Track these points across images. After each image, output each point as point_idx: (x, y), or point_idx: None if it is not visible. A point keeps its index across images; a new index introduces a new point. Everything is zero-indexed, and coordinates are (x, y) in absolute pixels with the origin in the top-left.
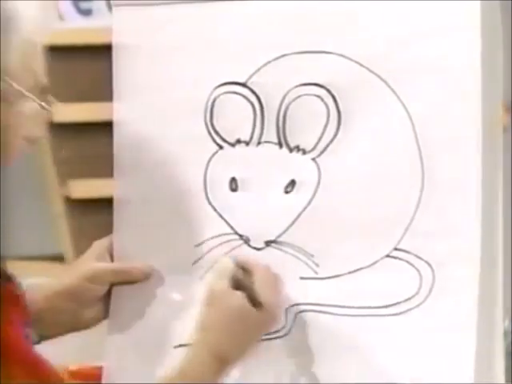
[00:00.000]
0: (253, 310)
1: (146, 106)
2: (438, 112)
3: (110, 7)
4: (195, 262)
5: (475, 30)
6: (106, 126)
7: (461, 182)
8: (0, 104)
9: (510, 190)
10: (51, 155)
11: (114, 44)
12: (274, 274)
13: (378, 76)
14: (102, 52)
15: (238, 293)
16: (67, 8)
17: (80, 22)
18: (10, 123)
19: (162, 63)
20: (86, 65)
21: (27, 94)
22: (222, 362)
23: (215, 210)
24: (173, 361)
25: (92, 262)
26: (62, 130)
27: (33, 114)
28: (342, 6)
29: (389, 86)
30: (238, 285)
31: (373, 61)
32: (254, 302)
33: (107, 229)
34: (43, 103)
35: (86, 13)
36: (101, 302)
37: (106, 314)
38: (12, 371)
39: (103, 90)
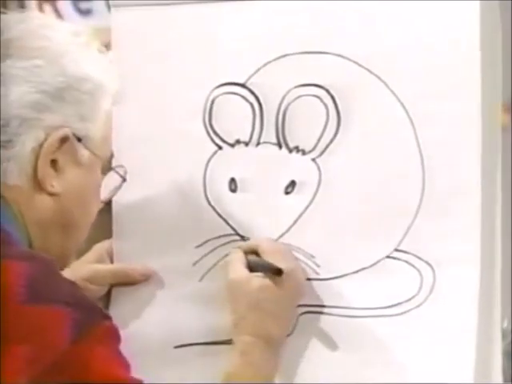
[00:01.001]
0: (276, 283)
1: (145, 107)
2: (437, 112)
3: (109, 7)
4: (195, 263)
5: (475, 30)
6: None
7: (461, 183)
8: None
9: (509, 190)
10: None
11: (112, 44)
12: (279, 243)
13: (378, 77)
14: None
15: (257, 273)
16: (67, 8)
17: (80, 22)
18: (92, 189)
19: (161, 64)
20: None
21: (107, 164)
22: (268, 341)
23: (215, 210)
24: (174, 362)
25: (92, 263)
26: None
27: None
28: (342, 7)
29: (388, 87)
30: (253, 266)
31: (372, 61)
32: (274, 272)
33: (107, 230)
34: (120, 172)
35: (86, 13)
36: (100, 303)
37: None
38: None
39: None
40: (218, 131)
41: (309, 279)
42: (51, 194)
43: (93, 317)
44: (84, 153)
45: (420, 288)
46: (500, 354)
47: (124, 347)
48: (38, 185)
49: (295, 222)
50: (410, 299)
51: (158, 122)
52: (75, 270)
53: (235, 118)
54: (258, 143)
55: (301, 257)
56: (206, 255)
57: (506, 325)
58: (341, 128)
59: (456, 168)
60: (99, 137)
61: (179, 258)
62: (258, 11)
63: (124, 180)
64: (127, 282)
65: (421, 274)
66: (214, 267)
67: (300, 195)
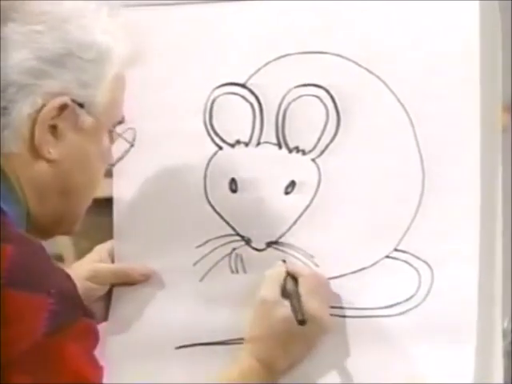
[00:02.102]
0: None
1: (145, 107)
2: (437, 112)
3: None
4: (196, 263)
5: (474, 30)
6: None
7: (460, 183)
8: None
9: (509, 190)
10: None
11: None
12: (321, 281)
13: (378, 77)
14: None
15: (286, 303)
16: None
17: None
18: (95, 155)
19: (162, 64)
20: None
21: (113, 129)
22: (271, 370)
23: (215, 210)
24: (175, 362)
25: (93, 263)
26: None
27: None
28: (342, 7)
29: (388, 87)
30: (286, 293)
31: (372, 61)
32: (299, 313)
33: (107, 229)
34: (126, 136)
35: None
36: (101, 302)
37: (105, 316)
38: None
39: None
40: (219, 131)
41: None
42: (49, 161)
43: (73, 312)
44: (86, 119)
45: (418, 288)
46: (501, 354)
47: (116, 347)
48: (35, 151)
49: (295, 222)
50: (408, 299)
51: (159, 122)
52: (77, 270)
53: (235, 118)
54: (258, 143)
55: (301, 257)
56: (206, 255)
57: (506, 325)
58: (340, 128)
59: (455, 168)
60: (105, 102)
61: (179, 258)
62: (258, 11)
63: (132, 145)
64: (128, 281)
65: (419, 274)
66: (215, 267)
67: (300, 195)
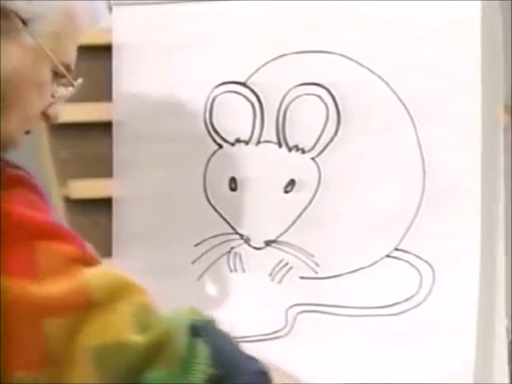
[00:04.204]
0: None
1: (145, 106)
2: (438, 112)
3: (109, 8)
4: (194, 262)
5: (475, 31)
6: (106, 126)
7: (461, 182)
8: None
9: (510, 190)
10: (51, 155)
11: (113, 43)
12: None
13: (379, 76)
14: (102, 52)
15: None
16: None
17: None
18: (31, 79)
19: (162, 63)
20: (85, 65)
21: (61, 69)
22: None
23: (215, 209)
24: None
25: None
26: (61, 130)
27: (61, 92)
28: (342, 6)
29: (389, 87)
30: None
31: (373, 61)
32: None
33: (107, 229)
34: (74, 82)
35: None
36: None
37: None
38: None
39: (103, 90)
40: (219, 130)
41: (308, 278)
42: None
43: None
44: (26, 38)
45: (419, 287)
46: (505, 354)
47: None
48: None
49: (294, 220)
50: (409, 298)
51: (158, 121)
52: None
53: (236, 116)
54: (259, 142)
55: (300, 256)
56: (204, 254)
57: (506, 324)
58: (341, 127)
59: (456, 167)
60: (50, 31)
61: (178, 256)
62: (258, 10)
63: (73, 86)
64: None
65: (420, 274)
66: (213, 266)
67: (299, 194)
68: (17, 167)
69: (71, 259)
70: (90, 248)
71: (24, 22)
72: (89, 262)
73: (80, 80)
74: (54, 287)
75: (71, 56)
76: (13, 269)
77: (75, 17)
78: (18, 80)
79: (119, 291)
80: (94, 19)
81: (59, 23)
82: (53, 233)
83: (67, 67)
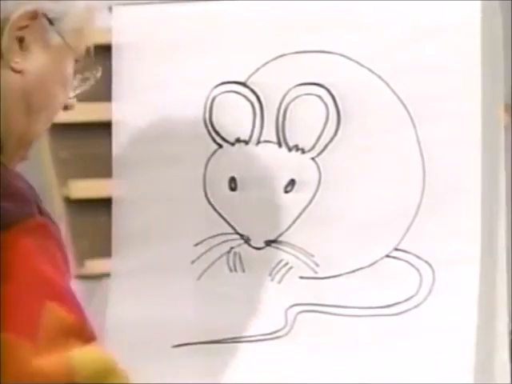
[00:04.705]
0: None
1: (144, 106)
2: (438, 112)
3: (109, 7)
4: (194, 262)
5: (475, 30)
6: (106, 126)
7: (461, 182)
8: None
9: (510, 190)
10: (51, 155)
11: (113, 43)
12: None
13: (379, 76)
14: (102, 52)
15: None
16: None
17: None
18: (56, 78)
19: (161, 62)
20: (85, 65)
21: (78, 59)
22: None
23: (215, 209)
24: (172, 361)
25: None
26: (61, 130)
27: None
28: (343, 6)
29: (389, 86)
30: None
31: (373, 61)
32: None
33: (107, 229)
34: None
35: None
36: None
37: None
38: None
39: (103, 90)
40: (219, 130)
41: (308, 278)
42: (15, 71)
43: (25, 209)
44: (54, 37)
45: (419, 288)
46: (507, 354)
47: (114, 346)
48: (1, 58)
49: (294, 220)
50: (408, 299)
51: (158, 121)
52: None
53: (235, 116)
54: (258, 142)
55: (300, 256)
56: (204, 253)
57: (506, 324)
58: (341, 127)
59: (456, 168)
60: (73, 27)
61: (177, 255)
62: (258, 10)
63: (96, 78)
64: None
65: (420, 274)
66: (213, 266)
67: (299, 194)
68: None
69: (71, 331)
70: (87, 318)
71: (51, 22)
72: (86, 336)
73: (99, 72)
74: (46, 362)
75: (87, 42)
76: (17, 324)
77: (94, 12)
78: (47, 80)
79: (103, 378)
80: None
81: (81, 19)
82: (62, 297)
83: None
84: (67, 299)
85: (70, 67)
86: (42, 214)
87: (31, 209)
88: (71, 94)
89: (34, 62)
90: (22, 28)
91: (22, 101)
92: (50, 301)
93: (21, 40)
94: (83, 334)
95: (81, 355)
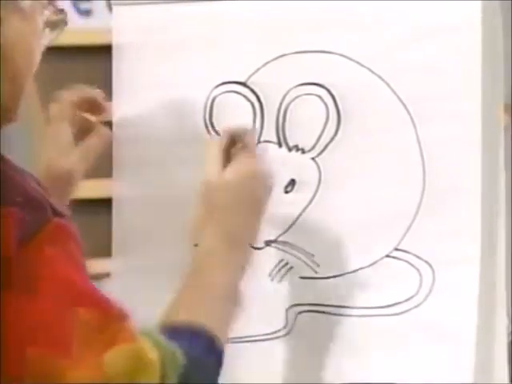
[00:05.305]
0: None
1: (145, 106)
2: (438, 112)
3: (109, 8)
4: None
5: (475, 30)
6: (107, 126)
7: (461, 182)
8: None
9: (510, 190)
10: None
11: (113, 43)
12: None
13: (379, 76)
14: (102, 52)
15: (225, 173)
16: (67, 8)
17: (79, 22)
18: (33, 36)
19: (162, 63)
20: (85, 65)
21: (45, 4)
22: (235, 242)
23: None
24: None
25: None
26: None
27: (51, 20)
28: (343, 6)
29: (389, 86)
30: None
31: (373, 61)
32: None
33: (107, 229)
34: (59, 9)
35: (86, 13)
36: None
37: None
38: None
39: (103, 91)
40: (219, 130)
41: (308, 278)
42: None
43: (42, 215)
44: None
45: (419, 288)
46: (505, 355)
47: None
48: None
49: (295, 220)
50: (409, 299)
51: (158, 121)
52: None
53: (236, 116)
54: (259, 142)
55: (300, 256)
56: None
57: (506, 324)
58: (341, 127)
59: (456, 168)
60: None
61: (178, 256)
62: (258, 10)
63: (65, 24)
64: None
65: (420, 274)
66: None
67: (300, 194)
68: (57, 211)
69: (101, 330)
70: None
71: None
72: (116, 326)
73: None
74: (81, 373)
75: None
76: (49, 339)
77: None
78: (25, 41)
79: (136, 377)
80: None
81: None
82: (88, 298)
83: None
84: (92, 298)
85: (39, 18)
86: (54, 212)
87: (47, 213)
88: (45, 39)
89: (11, 30)
90: None
91: (4, 73)
92: (79, 307)
93: None
94: (113, 325)
95: (112, 358)
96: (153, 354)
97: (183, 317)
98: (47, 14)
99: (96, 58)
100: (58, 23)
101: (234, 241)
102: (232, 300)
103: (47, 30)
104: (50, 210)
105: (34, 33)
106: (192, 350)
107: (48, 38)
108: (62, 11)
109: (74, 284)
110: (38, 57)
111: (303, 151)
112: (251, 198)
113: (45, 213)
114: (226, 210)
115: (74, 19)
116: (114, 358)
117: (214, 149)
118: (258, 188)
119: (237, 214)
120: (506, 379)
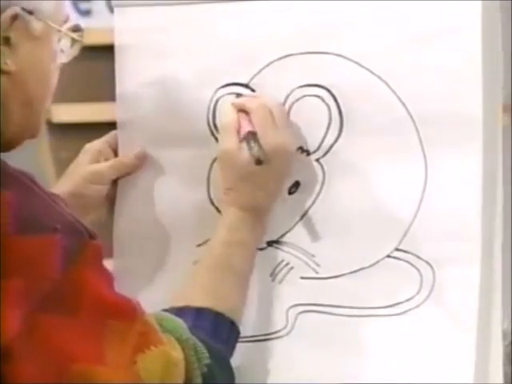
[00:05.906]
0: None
1: (148, 106)
2: (438, 112)
3: (109, 8)
4: (196, 262)
5: (475, 30)
6: (106, 126)
7: (461, 183)
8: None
9: (510, 190)
10: (51, 155)
11: (116, 44)
12: (272, 107)
13: (379, 77)
14: (102, 52)
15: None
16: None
17: (79, 22)
18: (48, 59)
19: (165, 64)
20: (85, 65)
21: (61, 29)
22: (256, 211)
23: (218, 210)
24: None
25: (87, 165)
26: (61, 130)
27: (67, 46)
28: (344, 7)
29: (390, 87)
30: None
31: (374, 62)
32: (256, 153)
33: (107, 229)
34: (75, 35)
35: (86, 13)
36: (104, 204)
37: (111, 211)
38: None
39: (103, 91)
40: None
41: (309, 278)
42: (6, 73)
43: (80, 240)
44: (37, 25)
45: (420, 288)
46: (500, 355)
47: None
48: None
49: (297, 221)
50: (409, 299)
51: (161, 122)
52: (74, 174)
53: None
54: None
55: (301, 256)
56: None
57: (506, 326)
58: (344, 128)
59: (456, 168)
60: (51, 6)
61: (180, 256)
62: (260, 11)
63: (81, 42)
64: (127, 170)
65: (421, 274)
66: None
67: (303, 195)
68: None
69: (131, 336)
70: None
71: (30, 12)
72: (141, 328)
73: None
74: (113, 377)
75: (65, 9)
76: (87, 353)
77: None
78: (40, 67)
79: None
80: None
81: None
82: (118, 310)
83: (66, 20)
84: (121, 309)
85: (55, 41)
86: (88, 233)
87: (84, 237)
88: (64, 58)
89: (23, 56)
90: (5, 29)
91: (17, 99)
92: (110, 320)
93: (6, 39)
94: (140, 330)
95: (145, 362)
96: (178, 353)
97: (204, 300)
98: (63, 33)
99: (96, 58)
100: (75, 40)
101: (259, 214)
102: (247, 283)
103: (65, 47)
104: (86, 232)
105: (49, 55)
106: (217, 336)
107: (66, 56)
108: (78, 27)
109: (106, 299)
110: (55, 78)
111: (308, 153)
112: (278, 173)
113: (82, 237)
114: (250, 182)
115: (73, 19)
116: (147, 362)
117: (229, 116)
118: (284, 162)
119: (261, 187)
120: (501, 379)
